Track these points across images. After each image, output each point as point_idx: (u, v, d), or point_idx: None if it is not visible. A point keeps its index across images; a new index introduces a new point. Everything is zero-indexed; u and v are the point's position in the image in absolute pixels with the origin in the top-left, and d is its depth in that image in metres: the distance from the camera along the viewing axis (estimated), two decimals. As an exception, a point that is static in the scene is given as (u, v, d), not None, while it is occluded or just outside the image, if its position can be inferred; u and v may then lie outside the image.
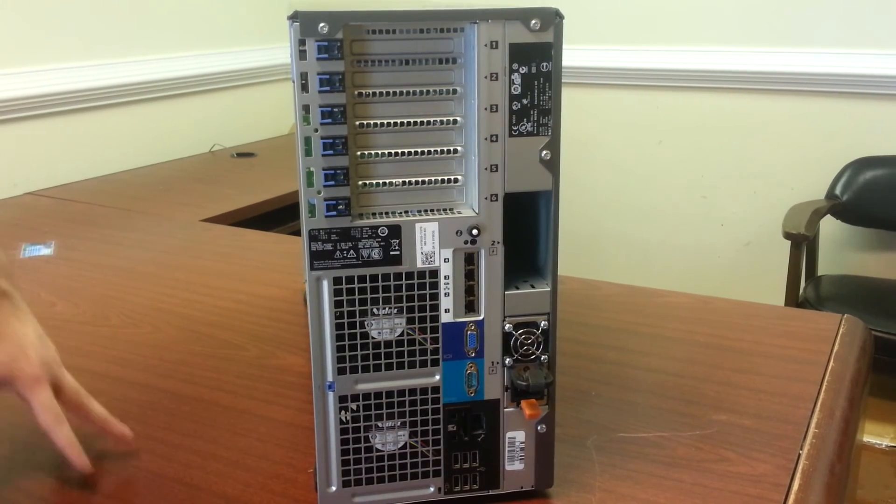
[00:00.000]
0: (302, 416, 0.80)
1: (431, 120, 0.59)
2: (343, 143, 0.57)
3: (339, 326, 0.60)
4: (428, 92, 0.58)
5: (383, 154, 0.59)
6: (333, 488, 0.63)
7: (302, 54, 0.55)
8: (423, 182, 0.60)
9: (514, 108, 0.58)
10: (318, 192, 0.57)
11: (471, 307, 0.62)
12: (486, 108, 0.58)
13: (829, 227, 2.26)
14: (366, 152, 0.58)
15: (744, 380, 0.87)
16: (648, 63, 2.45)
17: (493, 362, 0.63)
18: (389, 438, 0.63)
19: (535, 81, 0.58)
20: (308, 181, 0.57)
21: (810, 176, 2.29)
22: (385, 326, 0.60)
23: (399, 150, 0.59)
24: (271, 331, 1.01)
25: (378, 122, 0.58)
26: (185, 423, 0.79)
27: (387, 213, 0.60)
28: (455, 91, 0.59)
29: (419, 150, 0.59)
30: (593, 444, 0.75)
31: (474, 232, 0.60)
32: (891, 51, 2.12)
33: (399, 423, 0.63)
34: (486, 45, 0.57)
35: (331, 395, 0.61)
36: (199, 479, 0.70)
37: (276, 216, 1.88)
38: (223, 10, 2.51)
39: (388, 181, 0.59)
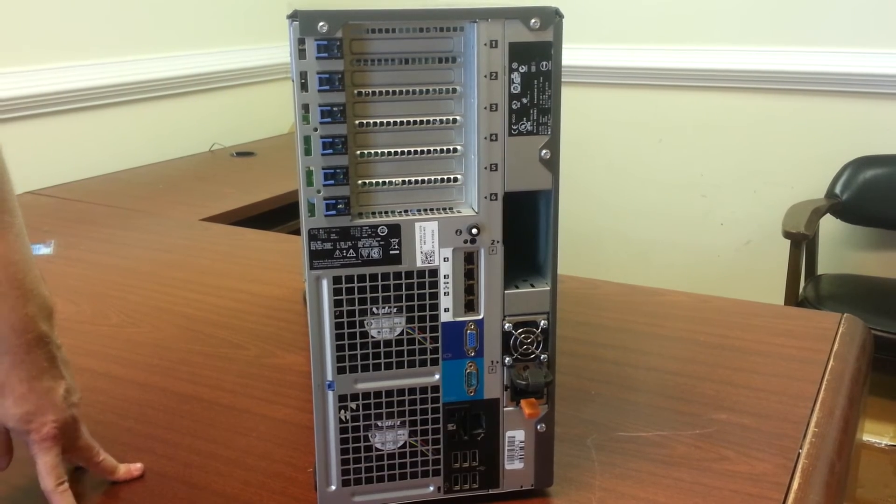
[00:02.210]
0: (302, 416, 0.80)
1: (431, 119, 0.59)
2: (343, 143, 0.57)
3: (338, 326, 0.60)
4: (427, 91, 0.58)
5: (383, 153, 0.59)
6: (333, 487, 0.63)
7: (301, 53, 0.55)
8: (423, 181, 0.60)
9: (514, 107, 0.58)
10: (318, 192, 0.57)
11: (470, 306, 0.62)
12: (485, 108, 0.58)
13: (829, 226, 2.26)
14: (365, 151, 0.58)
15: (743, 379, 0.87)
16: (648, 62, 2.45)
17: (492, 361, 0.63)
18: (389, 437, 0.63)
19: (534, 80, 0.58)
20: (308, 180, 0.57)
21: (810, 175, 2.29)
22: (385, 326, 0.60)
23: (399, 150, 0.59)
24: (271, 330, 1.01)
25: (378, 121, 0.58)
26: (184, 423, 0.79)
27: (386, 213, 0.60)
28: (455, 90, 0.59)
29: (419, 149, 0.59)
30: (593, 443, 0.75)
31: (474, 231, 0.60)
32: (891, 50, 2.12)
33: (399, 423, 0.63)
34: (485, 44, 0.57)
35: (330, 395, 0.61)
36: (199, 478, 0.70)
37: (276, 215, 1.88)
38: (223, 8, 2.50)
39: (387, 180, 0.59)
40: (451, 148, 0.60)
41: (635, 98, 2.52)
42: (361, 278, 0.59)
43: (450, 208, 0.60)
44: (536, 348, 0.63)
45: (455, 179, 0.60)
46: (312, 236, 0.58)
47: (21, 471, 0.69)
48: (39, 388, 0.62)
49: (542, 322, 0.63)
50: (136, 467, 0.71)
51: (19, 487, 0.69)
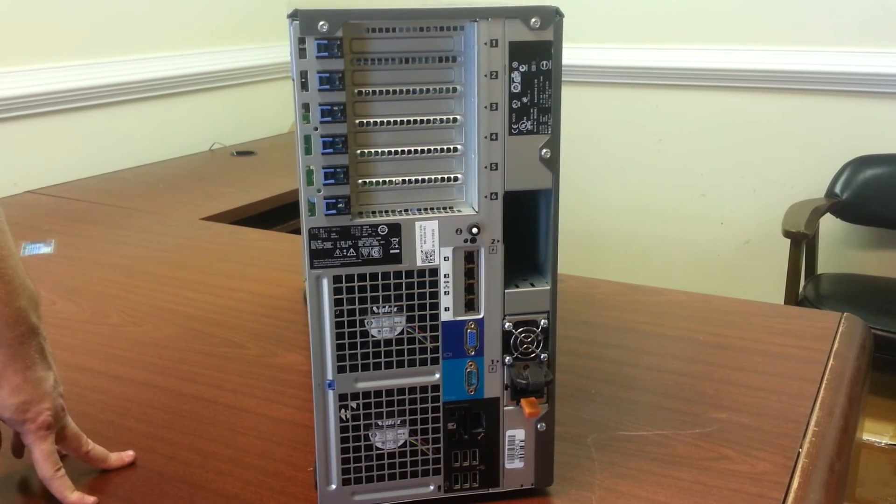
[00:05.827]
0: (302, 415, 0.80)
1: (431, 118, 0.59)
2: (343, 142, 0.57)
3: (339, 325, 0.60)
4: (428, 90, 0.59)
5: (383, 152, 0.59)
6: (333, 486, 0.63)
7: (302, 52, 0.55)
8: (423, 180, 0.60)
9: (514, 106, 0.58)
10: (318, 191, 0.57)
11: (471, 305, 0.62)
12: (485, 107, 0.58)
13: (829, 225, 2.26)
14: (366, 150, 0.58)
15: (743, 378, 0.87)
16: (648, 61, 2.45)
17: (492, 361, 0.63)
18: (389, 437, 0.63)
19: (534, 80, 0.58)
20: (308, 179, 0.57)
21: (810, 174, 2.29)
22: (385, 325, 0.60)
23: (399, 149, 0.59)
24: (271, 329, 1.01)
25: (378, 120, 0.58)
26: (185, 422, 0.79)
27: (387, 212, 0.60)
28: (455, 89, 0.59)
29: (419, 148, 0.59)
30: (593, 443, 0.75)
31: (474, 230, 0.60)
32: (890, 49, 2.12)
33: (399, 422, 0.63)
34: (485, 44, 0.57)
35: (331, 394, 0.61)
36: (199, 478, 0.70)
37: (276, 214, 1.88)
38: (223, 8, 2.50)
39: (387, 179, 0.59)
40: (452, 147, 0.60)
41: (635, 98, 2.52)
42: (362, 277, 0.59)
43: (450, 207, 0.61)
44: (536, 347, 0.63)
45: (455, 179, 0.60)
46: (313, 235, 0.58)
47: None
48: (33, 379, 0.63)
49: (543, 321, 0.63)
50: (128, 455, 0.72)
51: None
